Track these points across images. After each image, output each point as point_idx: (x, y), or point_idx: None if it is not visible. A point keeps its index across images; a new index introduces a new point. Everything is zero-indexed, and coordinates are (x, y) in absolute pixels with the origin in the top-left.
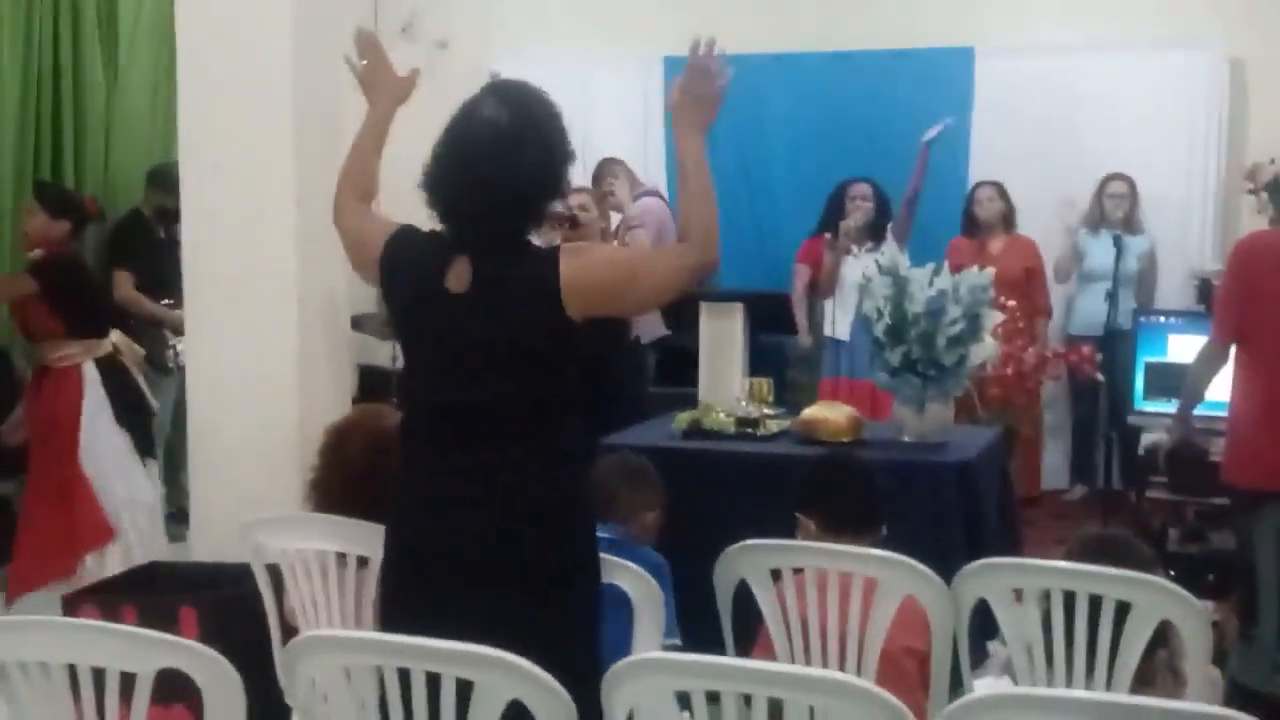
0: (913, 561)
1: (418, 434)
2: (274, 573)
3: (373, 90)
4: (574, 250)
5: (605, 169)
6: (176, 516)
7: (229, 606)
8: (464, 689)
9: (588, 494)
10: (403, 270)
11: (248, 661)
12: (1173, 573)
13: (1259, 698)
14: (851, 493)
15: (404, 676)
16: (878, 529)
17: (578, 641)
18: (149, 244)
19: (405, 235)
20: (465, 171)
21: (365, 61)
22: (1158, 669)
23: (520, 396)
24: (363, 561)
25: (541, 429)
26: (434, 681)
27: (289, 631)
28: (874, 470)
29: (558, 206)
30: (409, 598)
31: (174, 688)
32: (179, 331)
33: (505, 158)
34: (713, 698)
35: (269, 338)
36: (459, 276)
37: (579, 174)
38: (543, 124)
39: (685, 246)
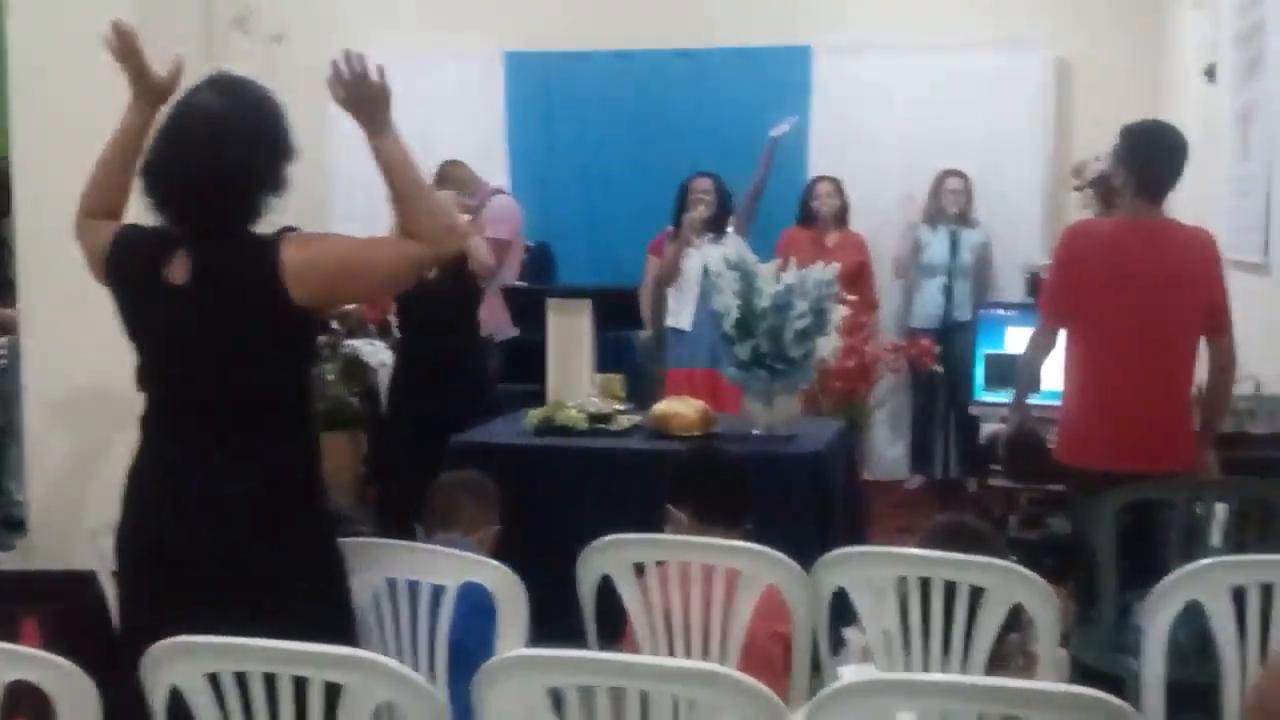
0: (774, 552)
1: (153, 430)
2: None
3: (137, 92)
4: (298, 238)
5: (448, 171)
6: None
7: (75, 615)
8: (332, 692)
9: (320, 485)
10: (123, 267)
11: (96, 671)
12: (1014, 558)
13: (1100, 676)
14: (725, 485)
15: (270, 681)
16: (746, 522)
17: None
18: None
19: (129, 232)
20: (175, 158)
21: (123, 64)
22: (1010, 651)
23: (250, 387)
24: None
25: (274, 420)
26: (301, 686)
27: None
28: (741, 464)
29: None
30: (142, 596)
31: (16, 701)
32: (5, 331)
33: (214, 144)
34: (584, 694)
35: (109, 341)
36: (178, 269)
37: (424, 169)
38: (257, 114)
39: (417, 242)
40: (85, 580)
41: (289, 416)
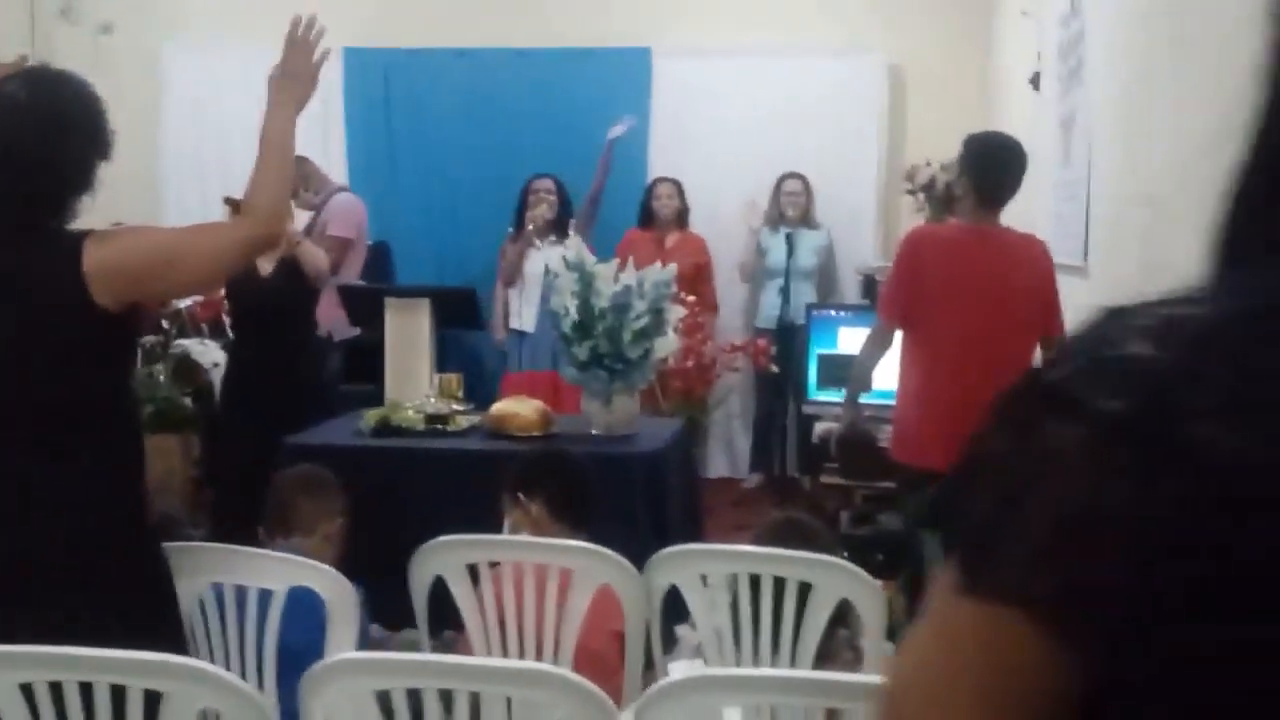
0: (607, 551)
1: None
2: None
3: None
4: (103, 235)
5: (296, 167)
6: None
7: None
8: (152, 700)
9: (144, 495)
10: None
11: None
12: (846, 554)
13: None
14: (573, 484)
15: (86, 691)
16: (590, 522)
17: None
18: None
19: None
20: None
21: None
22: (838, 646)
23: (57, 394)
24: None
25: (88, 427)
26: (120, 694)
27: None
28: (589, 465)
29: (230, 195)
30: None
31: None
32: None
33: (26, 140)
34: (413, 696)
35: None
36: None
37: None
38: (67, 109)
39: (243, 222)
40: None
41: (102, 423)
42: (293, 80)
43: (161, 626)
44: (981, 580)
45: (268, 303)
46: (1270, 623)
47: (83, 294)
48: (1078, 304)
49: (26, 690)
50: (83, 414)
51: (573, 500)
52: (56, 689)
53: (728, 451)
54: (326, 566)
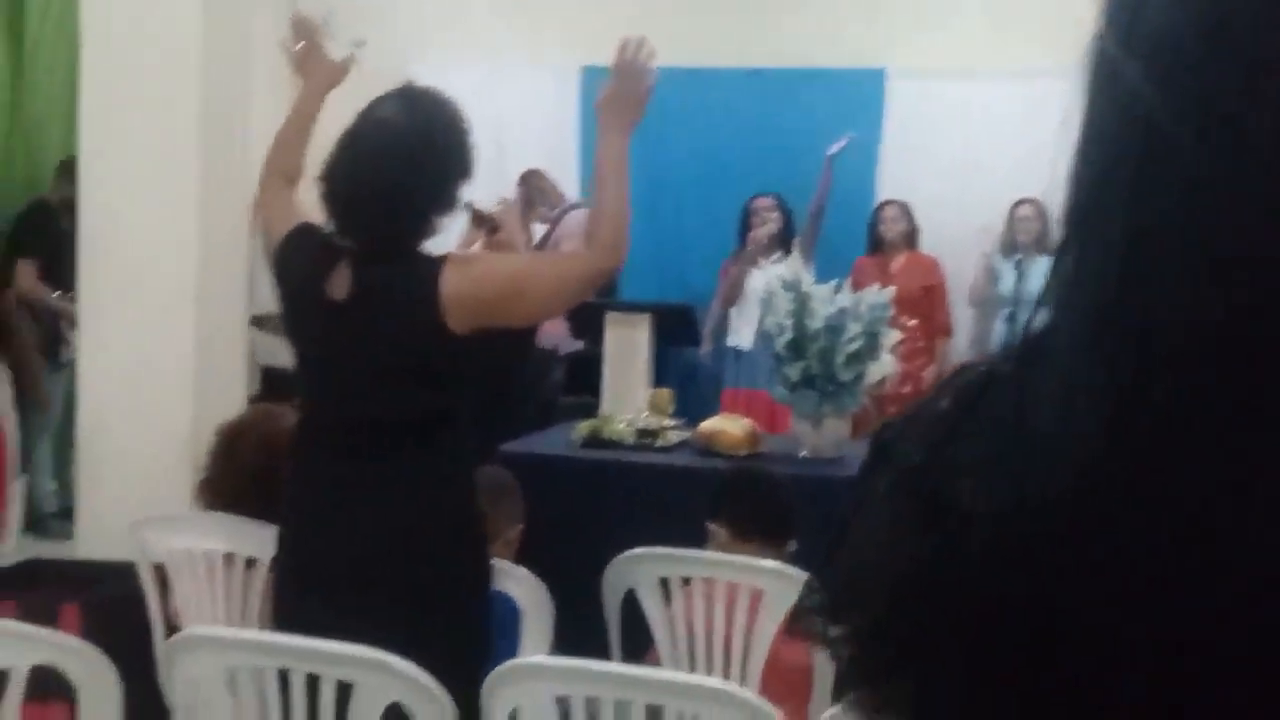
0: (798, 572)
1: (304, 440)
2: (160, 572)
3: (306, 74)
4: (461, 261)
5: (531, 181)
6: (63, 514)
7: (112, 605)
8: (344, 691)
9: (474, 509)
10: (290, 272)
11: (131, 661)
12: None
13: None
14: (763, 503)
15: (284, 677)
16: (786, 542)
17: (463, 655)
18: (52, 235)
19: (300, 234)
20: (355, 169)
21: (300, 44)
22: None
23: (405, 411)
24: (251, 562)
25: (430, 443)
26: (314, 683)
27: (174, 631)
28: (786, 483)
29: (482, 206)
30: (294, 610)
31: (54, 686)
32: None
33: (394, 159)
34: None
35: (165, 334)
36: (340, 283)
37: (497, 181)
38: (442, 131)
39: (587, 255)
40: (125, 571)
41: (440, 444)
42: (623, 104)
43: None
44: (806, 624)
45: None
46: (1009, 679)
47: (436, 317)
48: None
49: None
50: (420, 438)
51: (759, 523)
52: (259, 676)
53: None
54: (525, 571)
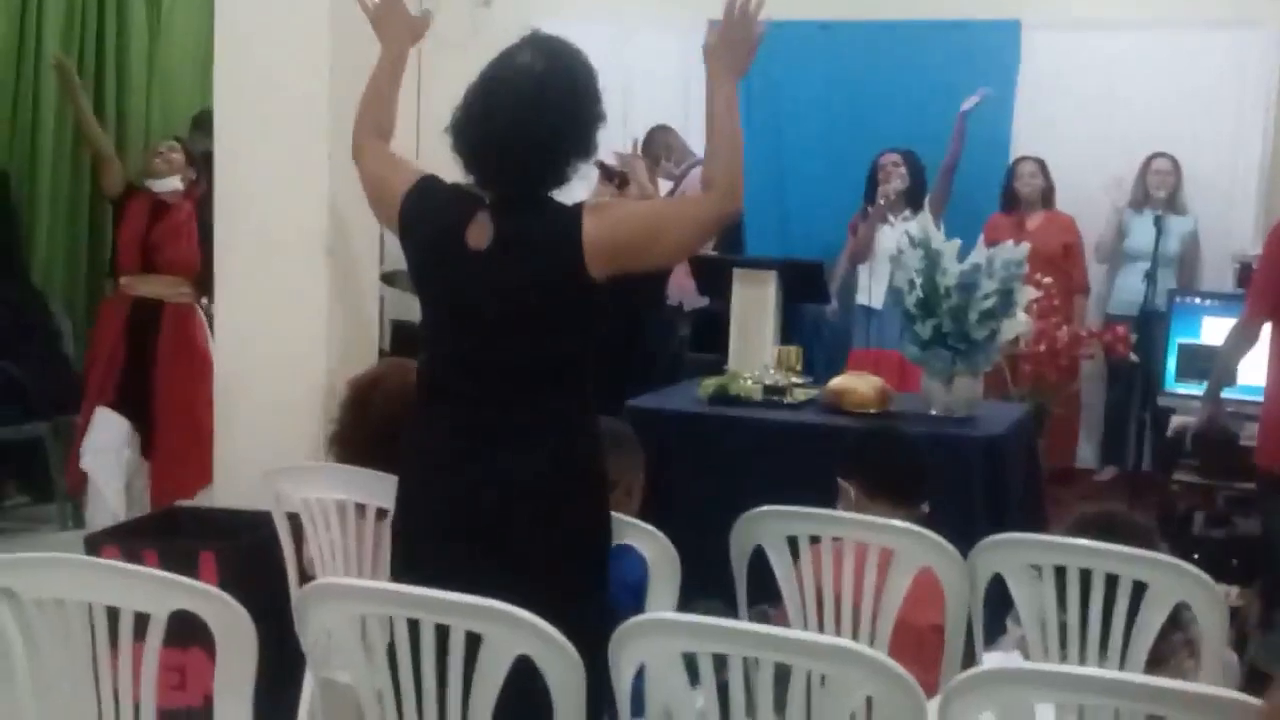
0: (930, 533)
1: (435, 390)
2: (294, 522)
3: (385, 29)
4: (597, 208)
5: (658, 136)
6: None
7: (248, 553)
8: (473, 642)
9: (602, 457)
10: (423, 223)
11: (266, 608)
12: (1196, 556)
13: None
14: (897, 463)
15: (414, 627)
16: (918, 503)
17: (586, 605)
18: None
19: (427, 186)
20: (494, 116)
21: (378, 1)
22: (1172, 650)
23: (540, 357)
24: (382, 513)
25: (560, 390)
26: (443, 634)
27: (308, 580)
28: (921, 445)
29: (610, 162)
30: (420, 556)
31: (193, 631)
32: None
33: (536, 106)
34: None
35: (297, 289)
36: (480, 232)
37: (622, 140)
38: (578, 78)
39: (710, 196)
40: (261, 521)
41: (575, 384)
42: (731, 50)
43: (597, 585)
44: None
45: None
46: None
47: (578, 264)
48: None
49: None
50: (559, 379)
51: (894, 481)
52: (389, 625)
53: (1080, 442)
54: (652, 528)
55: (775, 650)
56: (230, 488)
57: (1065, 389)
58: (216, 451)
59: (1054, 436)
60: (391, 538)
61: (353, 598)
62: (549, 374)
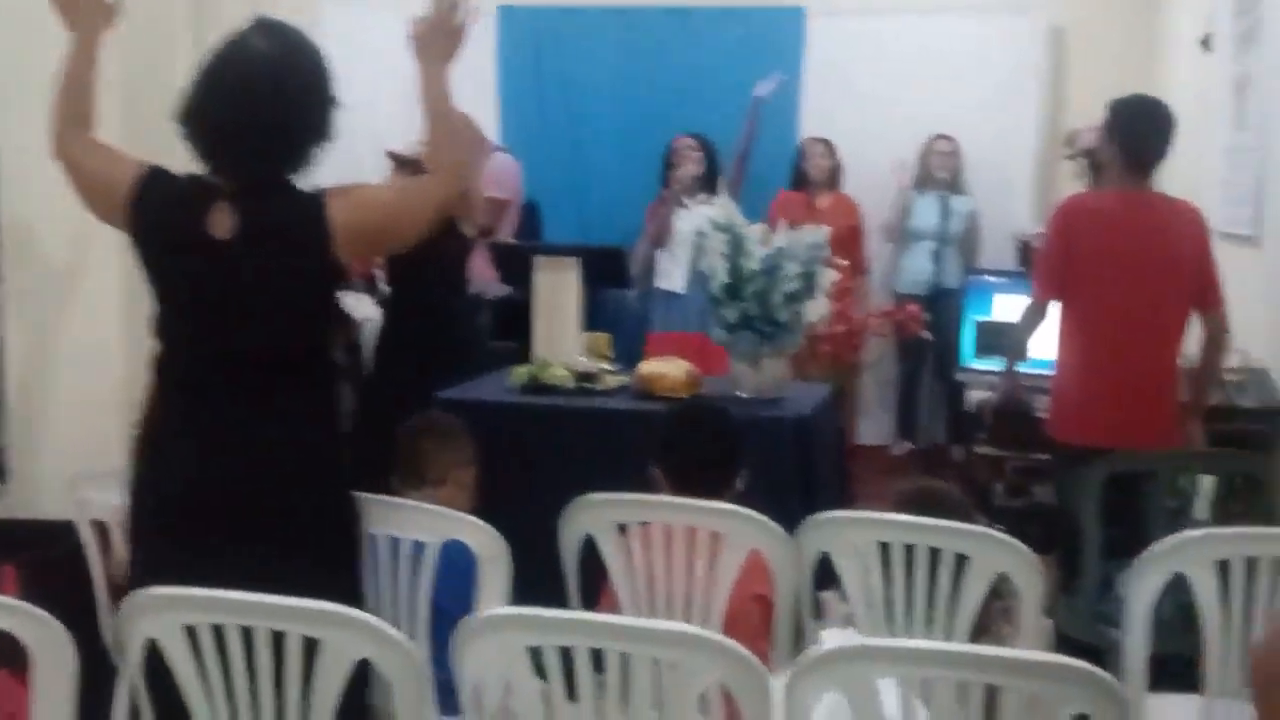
0: (758, 515)
1: (177, 381)
2: (100, 529)
3: (71, 15)
4: (340, 192)
5: None
6: None
7: (50, 565)
8: (309, 646)
9: (344, 443)
10: (156, 215)
11: (72, 621)
12: (998, 526)
13: (1081, 646)
14: (712, 444)
15: (247, 635)
16: (733, 481)
17: (337, 597)
18: None
19: (158, 177)
20: (232, 104)
21: None
22: (993, 619)
23: (288, 345)
24: None
25: (308, 377)
26: (279, 640)
27: (117, 589)
28: (730, 418)
29: (402, 150)
30: (165, 548)
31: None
32: None
33: (273, 91)
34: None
35: (94, 288)
36: (222, 222)
37: (414, 122)
38: (312, 62)
39: (436, 179)
40: (63, 530)
41: (317, 371)
42: (437, 34)
43: (348, 571)
44: None
45: (424, 257)
46: None
47: (328, 249)
48: (1246, 275)
49: (189, 633)
50: (302, 363)
51: (706, 464)
52: (219, 633)
53: (872, 418)
54: (479, 521)
55: (623, 639)
56: (25, 496)
57: (857, 368)
58: (11, 459)
59: (848, 414)
60: (129, 534)
61: (181, 606)
62: (297, 361)
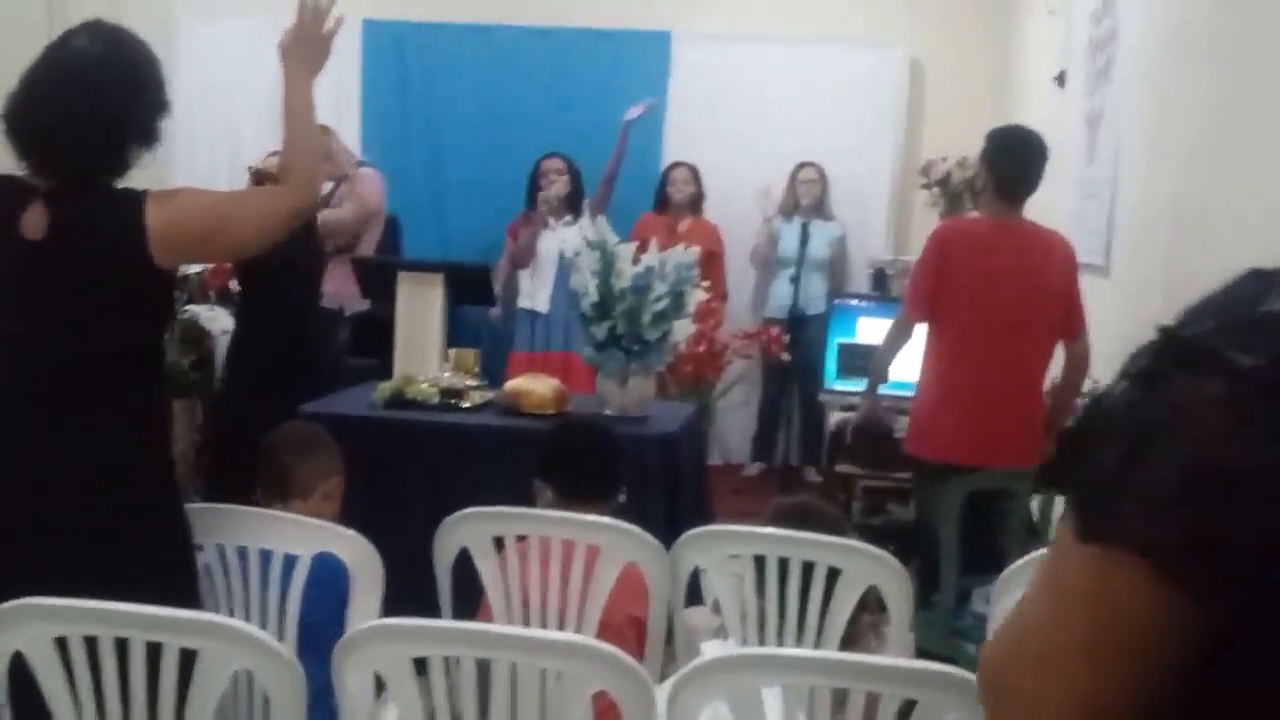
0: (635, 529)
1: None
2: None
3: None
4: (161, 195)
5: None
6: None
7: None
8: (186, 658)
9: (169, 450)
10: None
11: None
12: (857, 538)
13: (937, 659)
14: (591, 458)
15: (121, 646)
16: (615, 496)
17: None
18: None
19: None
20: (47, 103)
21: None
22: (862, 631)
23: (101, 345)
24: None
25: (127, 379)
26: (155, 652)
27: None
28: (615, 437)
29: (262, 166)
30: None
31: None
32: None
33: (95, 91)
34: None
35: None
36: (35, 222)
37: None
38: (138, 65)
39: (286, 189)
40: None
41: (140, 378)
42: (305, 47)
43: (179, 588)
44: (1101, 528)
45: (277, 265)
46: None
47: (142, 251)
48: (1098, 304)
49: (59, 644)
50: (122, 369)
51: (587, 476)
52: (91, 644)
53: (728, 439)
54: (352, 532)
55: (509, 649)
56: None
57: (720, 388)
58: None
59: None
60: None
61: (52, 617)
62: (114, 363)
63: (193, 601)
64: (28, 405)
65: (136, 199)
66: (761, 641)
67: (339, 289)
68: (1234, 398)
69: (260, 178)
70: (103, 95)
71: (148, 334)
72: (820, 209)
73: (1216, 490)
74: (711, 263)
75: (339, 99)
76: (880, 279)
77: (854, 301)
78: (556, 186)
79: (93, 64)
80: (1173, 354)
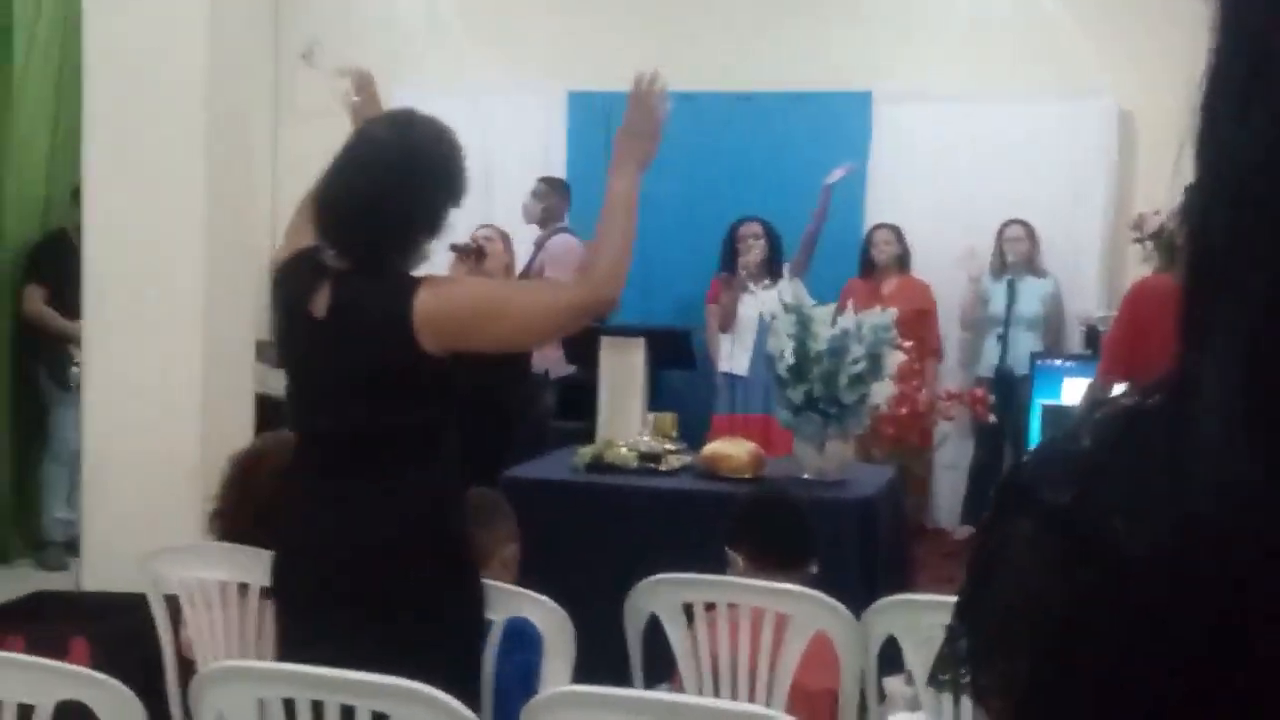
0: (825, 597)
1: (296, 462)
2: (170, 603)
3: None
4: (435, 282)
5: (541, 190)
6: (69, 545)
7: (121, 637)
8: None
9: (457, 527)
10: (280, 291)
11: (141, 694)
12: None
13: None
14: (783, 528)
15: (317, 709)
16: (807, 566)
17: (449, 676)
18: (68, 262)
19: (297, 257)
20: (342, 189)
21: (360, 97)
22: None
23: (380, 426)
24: (266, 592)
25: (407, 459)
26: (349, 713)
27: (184, 664)
28: (805, 507)
29: (461, 243)
30: (287, 627)
31: None
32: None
33: (379, 176)
34: None
35: (172, 360)
36: (322, 300)
37: (484, 207)
38: (430, 155)
39: (582, 282)
40: (135, 603)
41: (421, 456)
42: (637, 138)
43: (459, 659)
44: (950, 674)
45: None
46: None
47: (407, 336)
48: None
49: (260, 705)
50: (400, 450)
51: (782, 546)
52: (290, 706)
53: (939, 502)
54: (545, 598)
55: (680, 718)
56: (98, 568)
57: (925, 451)
58: (85, 531)
59: (912, 495)
60: (276, 612)
61: (252, 679)
62: (392, 443)
63: (472, 671)
64: (314, 478)
65: (410, 284)
66: (957, 715)
67: (544, 354)
68: (1039, 535)
69: (462, 252)
70: (391, 181)
71: (424, 414)
72: (1030, 266)
73: (1019, 629)
74: (923, 320)
75: (547, 169)
76: (1093, 336)
77: (1058, 362)
78: (754, 252)
79: (388, 152)
80: (1008, 491)
